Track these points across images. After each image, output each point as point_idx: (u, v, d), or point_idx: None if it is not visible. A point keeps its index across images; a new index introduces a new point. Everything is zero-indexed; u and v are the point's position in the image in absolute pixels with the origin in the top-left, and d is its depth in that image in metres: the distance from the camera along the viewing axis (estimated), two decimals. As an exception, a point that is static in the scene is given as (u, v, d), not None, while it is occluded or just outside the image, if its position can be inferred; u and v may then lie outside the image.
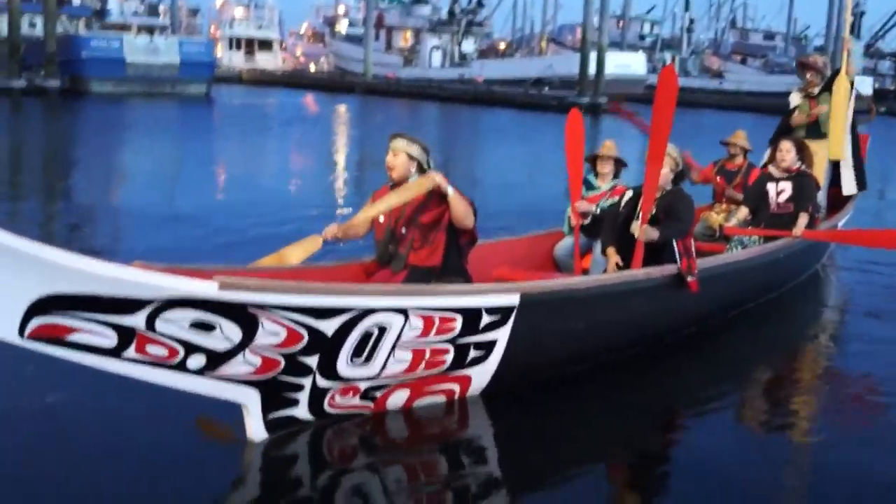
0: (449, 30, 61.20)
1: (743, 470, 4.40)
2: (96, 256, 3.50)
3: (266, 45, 69.61)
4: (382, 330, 4.38)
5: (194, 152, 19.99)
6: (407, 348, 4.53)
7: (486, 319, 4.75)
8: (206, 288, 3.73)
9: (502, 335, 4.87)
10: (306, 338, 4.16)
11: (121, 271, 3.51)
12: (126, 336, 3.71)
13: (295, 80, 60.05)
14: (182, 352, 3.88)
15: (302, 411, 4.45)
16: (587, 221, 7.27)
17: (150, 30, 50.33)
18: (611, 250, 6.25)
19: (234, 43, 68.06)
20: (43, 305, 3.43)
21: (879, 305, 7.80)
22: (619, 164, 7.56)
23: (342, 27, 72.75)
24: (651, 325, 6.09)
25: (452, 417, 4.87)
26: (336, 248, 6.41)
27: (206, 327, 3.86)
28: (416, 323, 4.48)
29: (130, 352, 3.76)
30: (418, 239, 5.43)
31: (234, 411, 4.32)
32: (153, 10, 55.51)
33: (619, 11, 66.74)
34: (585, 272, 6.95)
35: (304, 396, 4.41)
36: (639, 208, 6.07)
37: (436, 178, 5.31)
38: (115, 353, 3.73)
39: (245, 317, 3.92)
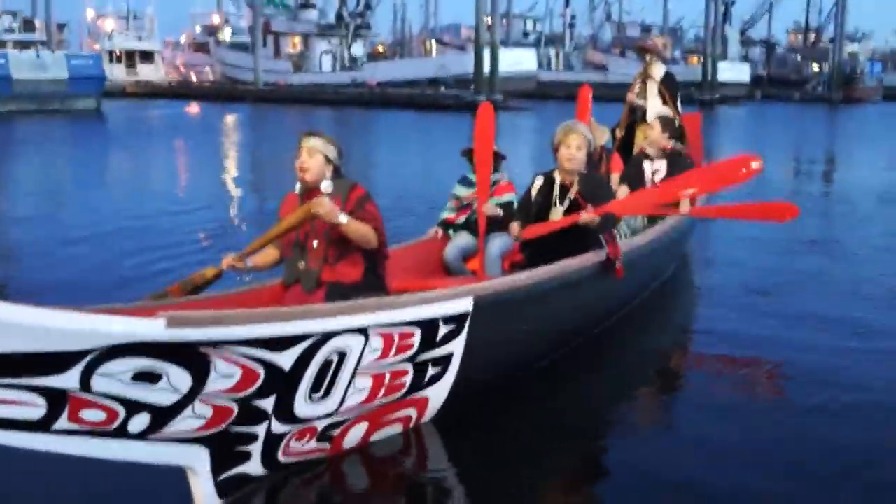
0: (338, 34, 60.33)
1: (668, 462, 4.40)
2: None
3: (147, 56, 67.58)
4: (342, 356, 3.89)
5: (85, 170, 18.95)
6: (366, 374, 4.07)
7: (442, 331, 4.36)
8: (152, 328, 3.10)
9: (458, 347, 4.49)
10: (262, 376, 3.59)
11: (50, 317, 2.85)
12: (57, 402, 3.02)
13: (182, 91, 58.59)
14: (122, 413, 3.22)
15: (255, 466, 3.87)
16: (461, 221, 7.07)
17: (26, 45, 48.35)
18: (515, 223, 5.91)
19: (115, 56, 66.04)
20: None
21: (750, 284, 8.10)
22: (498, 157, 7.13)
23: (226, 35, 71.38)
24: (587, 314, 6.04)
25: (409, 452, 4.48)
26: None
27: (151, 378, 3.22)
28: (376, 343, 4.03)
29: (63, 421, 3.07)
30: (334, 254, 4.90)
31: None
32: (29, 26, 53.29)
33: (501, 10, 67.26)
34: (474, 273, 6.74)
35: (257, 448, 3.83)
36: (555, 195, 5.86)
37: (322, 206, 4.66)
38: (45, 425, 3.04)
39: (195, 359, 3.32)
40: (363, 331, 3.94)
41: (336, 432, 4.18)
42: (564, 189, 5.85)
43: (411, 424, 4.57)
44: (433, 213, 7.85)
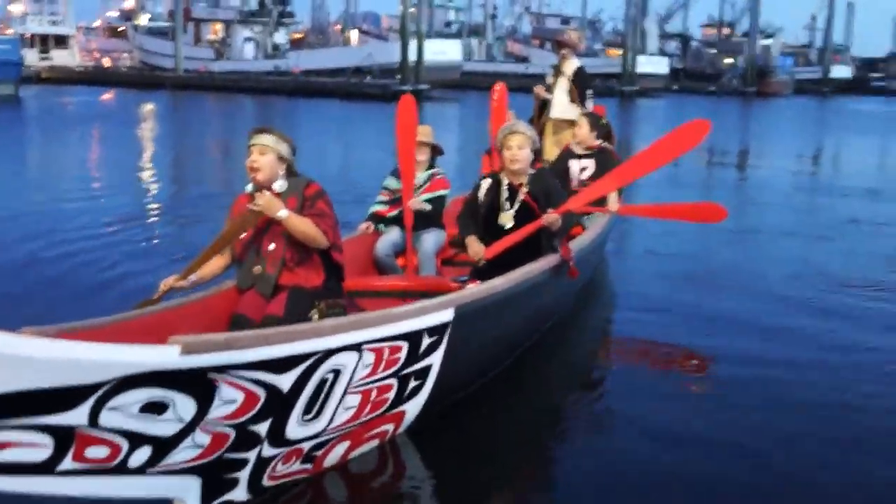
0: (260, 21, 59.79)
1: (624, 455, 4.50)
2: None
3: (62, 41, 66.04)
4: (337, 374, 3.77)
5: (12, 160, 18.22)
6: (356, 391, 3.96)
7: (425, 343, 4.27)
8: (167, 355, 2.95)
9: (437, 358, 4.41)
10: (262, 399, 3.44)
11: (66, 350, 2.66)
12: (64, 440, 2.82)
13: (100, 78, 57.39)
14: (126, 447, 3.02)
15: (240, 492, 3.70)
16: (392, 215, 6.92)
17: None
18: (472, 238, 5.73)
19: (28, 40, 64.31)
20: None
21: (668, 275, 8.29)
22: (436, 151, 7.08)
23: (144, 21, 70.07)
24: (543, 315, 6.10)
25: (386, 464, 4.40)
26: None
27: (158, 409, 3.04)
28: (368, 359, 3.92)
29: (67, 461, 2.86)
30: (293, 257, 4.69)
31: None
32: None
33: (425, -1, 67.42)
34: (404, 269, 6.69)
35: (245, 474, 3.67)
36: (504, 197, 5.74)
37: (262, 199, 4.54)
38: (49, 467, 2.83)
39: (202, 385, 3.16)
40: (357, 347, 3.83)
41: (319, 453, 4.06)
42: (513, 190, 5.76)
43: (387, 438, 4.48)
44: (361, 202, 7.83)
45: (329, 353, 3.66)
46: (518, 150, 5.68)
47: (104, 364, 2.78)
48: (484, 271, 5.55)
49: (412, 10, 46.27)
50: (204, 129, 26.98)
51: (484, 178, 6.00)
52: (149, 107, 36.39)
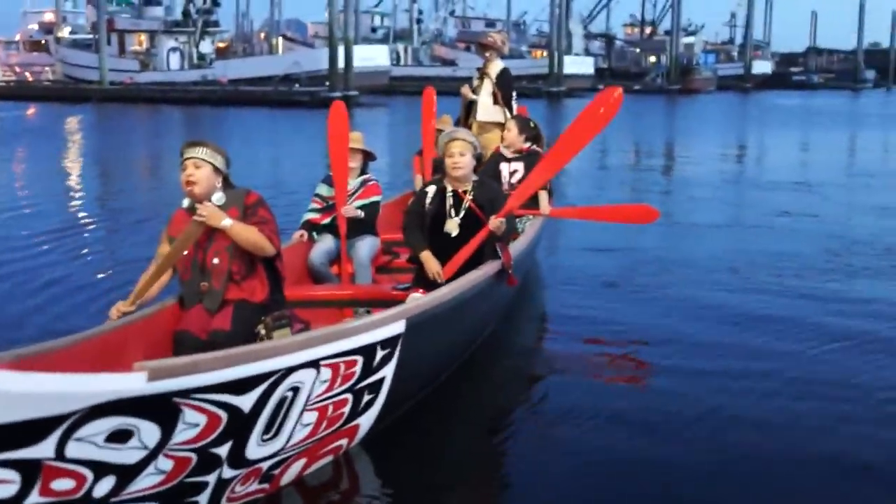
0: (185, 30, 59.04)
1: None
2: None
3: (-20, 56, 64.87)
4: (296, 391, 3.77)
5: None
6: (313, 408, 3.97)
7: (378, 356, 4.29)
8: (134, 383, 2.95)
9: (390, 370, 4.44)
10: (224, 421, 3.43)
11: (36, 383, 2.64)
12: (31, 475, 2.79)
13: (23, 92, 56.22)
14: (90, 478, 3.00)
15: None
16: (326, 223, 6.90)
17: None
18: (427, 254, 5.62)
19: (-55, 56, 62.87)
20: None
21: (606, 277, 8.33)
22: (368, 156, 7.08)
23: (66, 34, 68.78)
24: (484, 321, 6.14)
25: (342, 477, 4.41)
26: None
27: (123, 437, 3.03)
28: (325, 375, 3.94)
29: (34, 496, 2.83)
30: (239, 270, 4.63)
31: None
32: None
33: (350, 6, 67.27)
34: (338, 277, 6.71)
35: (205, 497, 3.64)
36: (449, 205, 5.71)
37: (203, 212, 4.53)
38: (16, 503, 2.80)
39: (167, 411, 3.14)
40: (316, 363, 3.84)
41: (277, 471, 4.05)
42: (458, 198, 5.73)
43: (341, 452, 4.49)
44: (295, 208, 7.67)
45: (289, 370, 3.67)
46: (460, 157, 5.68)
47: (73, 395, 2.77)
48: (426, 278, 5.56)
49: (339, 15, 46.20)
50: (132, 142, 26.60)
51: (428, 184, 5.95)
52: (76, 120, 35.66)
